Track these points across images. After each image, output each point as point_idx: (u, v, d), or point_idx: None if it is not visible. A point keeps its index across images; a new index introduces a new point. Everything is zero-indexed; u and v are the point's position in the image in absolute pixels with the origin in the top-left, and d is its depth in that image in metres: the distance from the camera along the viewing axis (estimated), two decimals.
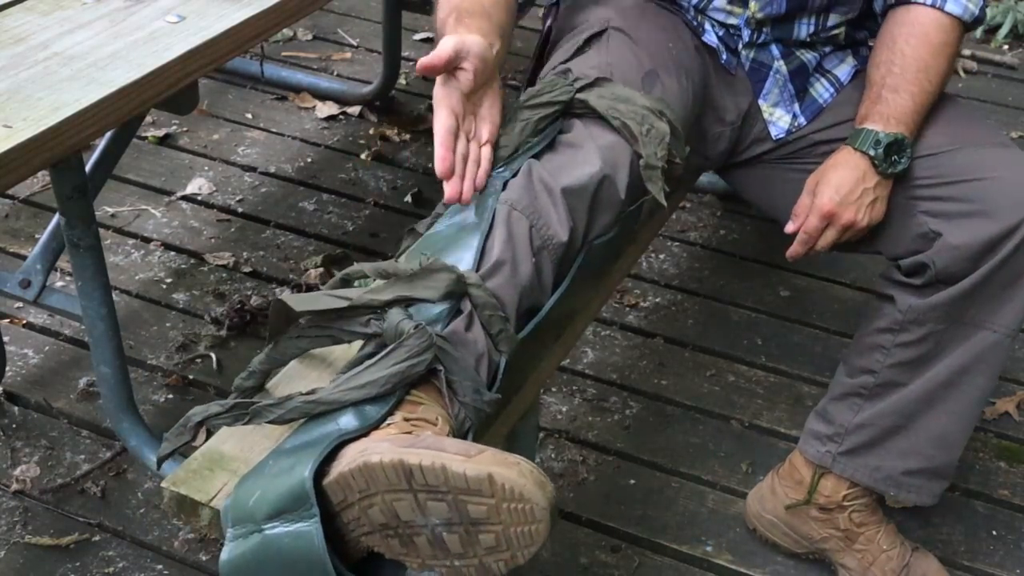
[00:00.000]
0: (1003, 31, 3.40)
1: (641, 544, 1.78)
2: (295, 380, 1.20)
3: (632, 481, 1.89)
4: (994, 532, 1.82)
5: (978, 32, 3.40)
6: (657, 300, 2.29)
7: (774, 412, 2.03)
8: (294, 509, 0.97)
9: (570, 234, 1.23)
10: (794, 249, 1.52)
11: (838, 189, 1.46)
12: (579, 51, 1.47)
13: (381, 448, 0.97)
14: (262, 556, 0.99)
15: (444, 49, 1.22)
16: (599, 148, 1.28)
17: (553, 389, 2.05)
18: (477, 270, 1.17)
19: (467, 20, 1.29)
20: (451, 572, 0.99)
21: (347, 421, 1.04)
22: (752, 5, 1.53)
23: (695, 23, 1.58)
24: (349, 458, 0.98)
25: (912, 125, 1.46)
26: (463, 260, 1.17)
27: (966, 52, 3.29)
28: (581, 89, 1.34)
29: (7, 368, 2.01)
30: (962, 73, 3.23)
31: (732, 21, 1.56)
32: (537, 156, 1.29)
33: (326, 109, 2.89)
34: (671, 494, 1.86)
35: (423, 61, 1.20)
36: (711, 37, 1.57)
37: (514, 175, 1.26)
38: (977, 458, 1.95)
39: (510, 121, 1.31)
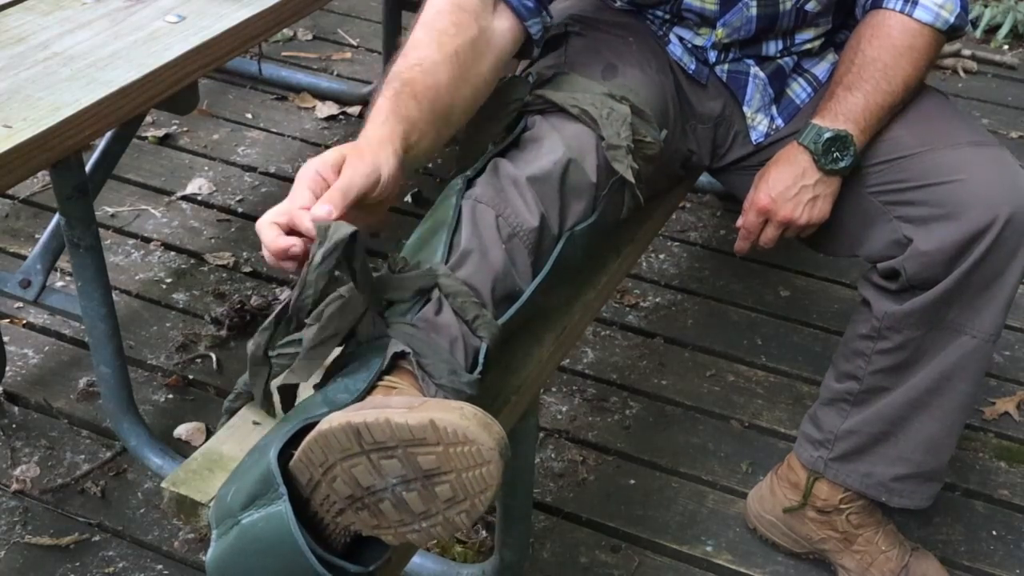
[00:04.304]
0: (1003, 31, 3.40)
1: (641, 544, 1.78)
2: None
3: (632, 481, 1.89)
4: (994, 532, 1.82)
5: (978, 32, 3.40)
6: (657, 300, 2.29)
7: (774, 412, 2.03)
8: (265, 493, 0.98)
9: (541, 220, 1.23)
10: (737, 244, 1.54)
11: (775, 185, 1.46)
12: (540, 54, 1.48)
13: (332, 417, 0.98)
14: (240, 545, 1.00)
15: (287, 242, 1.06)
16: (563, 137, 1.30)
17: (553, 389, 2.05)
18: (446, 263, 1.17)
19: (403, 103, 1.18)
20: (422, 537, 1.00)
21: (317, 409, 1.06)
22: (719, 31, 1.51)
23: (660, 33, 1.57)
24: (308, 435, 1.00)
25: (863, 123, 1.44)
26: (432, 257, 1.18)
27: (966, 52, 3.29)
28: (539, 85, 1.36)
29: (7, 368, 2.01)
30: (962, 73, 3.23)
31: (698, 42, 1.56)
32: (502, 154, 1.30)
33: (326, 109, 2.89)
34: (671, 494, 1.86)
35: (272, 249, 1.06)
36: (675, 48, 1.56)
37: (477, 173, 1.27)
38: (977, 458, 1.95)
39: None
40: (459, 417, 0.95)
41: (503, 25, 1.33)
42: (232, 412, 1.19)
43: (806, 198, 1.45)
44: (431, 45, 1.25)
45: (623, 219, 1.40)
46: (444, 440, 0.94)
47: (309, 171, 1.09)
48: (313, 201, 1.07)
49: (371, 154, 1.11)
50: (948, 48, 3.20)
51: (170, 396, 2.00)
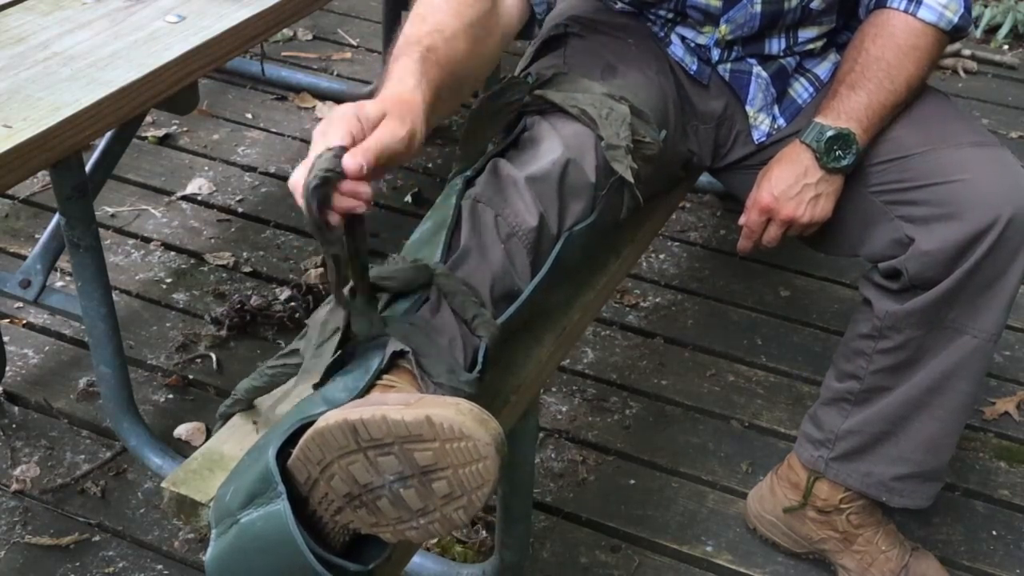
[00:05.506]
0: (1003, 31, 3.40)
1: (641, 544, 1.78)
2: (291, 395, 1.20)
3: (632, 481, 1.89)
4: (994, 532, 1.82)
5: (978, 32, 3.40)
6: (657, 300, 2.29)
7: (774, 412, 2.03)
8: (263, 492, 0.99)
9: (540, 220, 1.23)
10: (740, 243, 1.53)
11: (777, 184, 1.46)
12: (538, 54, 1.48)
13: (329, 415, 0.98)
14: (239, 544, 1.00)
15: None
16: (562, 137, 1.30)
17: (553, 389, 2.05)
18: (445, 262, 1.17)
19: (430, 68, 1.14)
20: (421, 534, 1.00)
21: (315, 408, 1.06)
22: (723, 28, 1.51)
23: (661, 34, 1.57)
24: (306, 433, 1.00)
25: (866, 122, 1.44)
26: (431, 256, 1.18)
27: (966, 52, 3.29)
28: (539, 86, 1.36)
29: (7, 368, 2.01)
30: (962, 73, 3.23)
31: (701, 40, 1.55)
32: (502, 154, 1.30)
33: (326, 109, 2.88)
34: (671, 494, 1.86)
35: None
36: (677, 50, 1.56)
37: (477, 173, 1.27)
38: (977, 458, 1.95)
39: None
40: (455, 413, 0.95)
41: (511, 0, 1.34)
42: (227, 417, 1.20)
43: (808, 196, 1.45)
44: (449, 12, 1.22)
45: (622, 219, 1.40)
46: (440, 436, 0.94)
47: (349, 115, 1.02)
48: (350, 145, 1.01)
49: (411, 118, 1.07)
50: (948, 48, 3.20)
51: (170, 396, 2.00)
